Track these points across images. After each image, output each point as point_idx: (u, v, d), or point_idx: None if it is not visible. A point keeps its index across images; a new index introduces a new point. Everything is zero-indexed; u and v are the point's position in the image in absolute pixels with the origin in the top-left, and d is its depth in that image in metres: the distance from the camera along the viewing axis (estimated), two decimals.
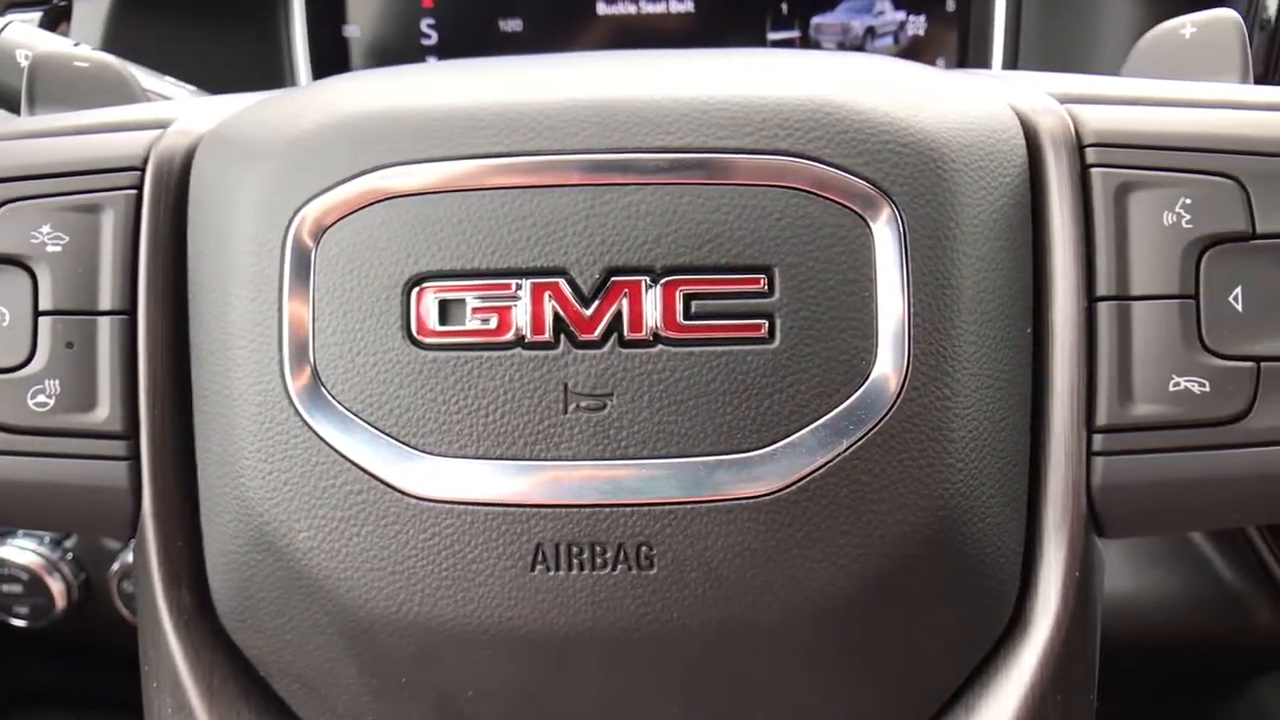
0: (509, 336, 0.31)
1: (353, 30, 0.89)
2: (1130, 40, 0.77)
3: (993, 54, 0.82)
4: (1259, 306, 0.32)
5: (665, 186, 0.31)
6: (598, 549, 0.31)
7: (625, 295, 0.31)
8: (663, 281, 0.31)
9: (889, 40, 0.85)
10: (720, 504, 0.31)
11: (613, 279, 0.31)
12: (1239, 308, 0.32)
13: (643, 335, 0.31)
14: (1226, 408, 0.32)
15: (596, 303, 0.31)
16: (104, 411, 0.34)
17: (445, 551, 0.31)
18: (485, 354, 0.31)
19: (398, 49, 0.88)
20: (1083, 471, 0.33)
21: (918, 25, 0.85)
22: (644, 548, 0.31)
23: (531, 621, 0.32)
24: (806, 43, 0.86)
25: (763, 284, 0.31)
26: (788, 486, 0.31)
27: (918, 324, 0.31)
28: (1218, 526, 0.35)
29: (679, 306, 0.31)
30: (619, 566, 0.31)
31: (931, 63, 0.87)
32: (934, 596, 0.32)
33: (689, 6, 0.86)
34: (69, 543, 0.71)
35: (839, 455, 0.31)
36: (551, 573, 0.31)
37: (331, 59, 0.88)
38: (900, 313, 0.31)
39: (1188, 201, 0.32)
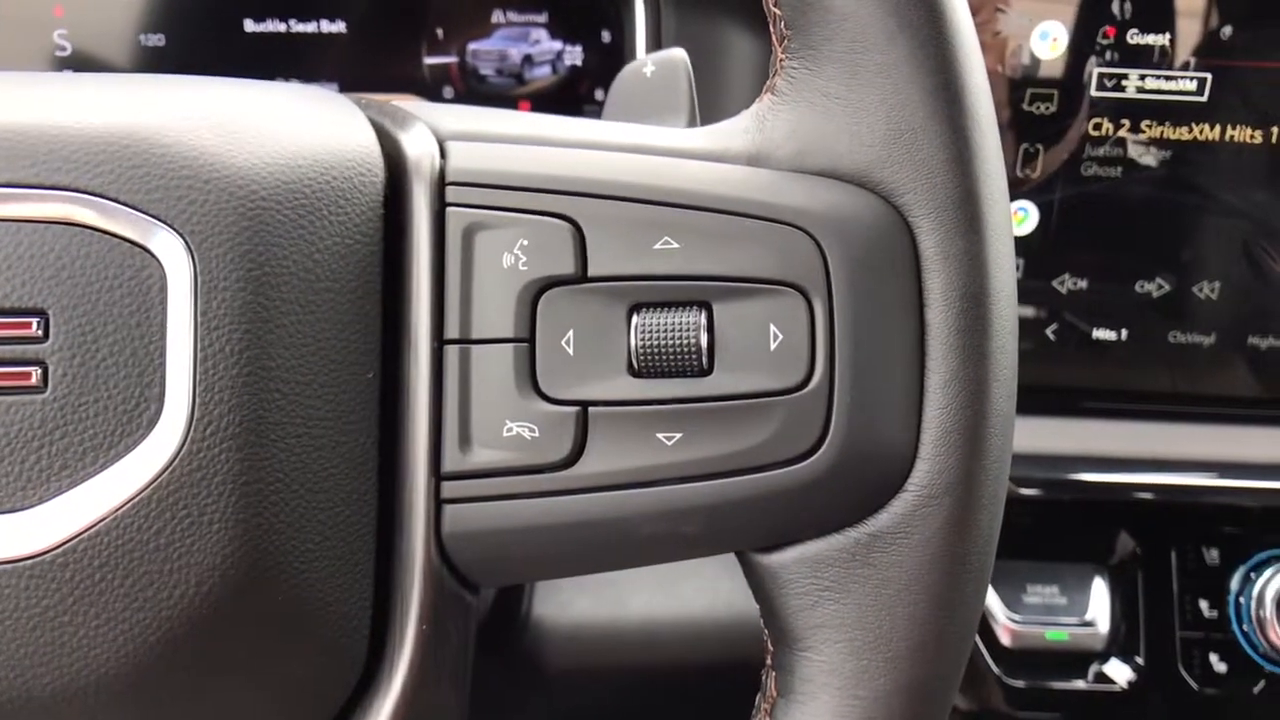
0: None
1: None
2: (752, 76, 0.79)
3: None
4: (588, 350, 0.31)
5: None
6: None
7: None
8: None
9: (547, 70, 0.85)
10: None
11: None
12: (570, 351, 0.32)
13: None
14: (555, 453, 0.31)
15: None
16: None
17: None
18: None
19: (29, 61, 0.83)
20: (432, 520, 0.32)
21: (575, 55, 0.85)
22: None
23: None
24: (464, 68, 0.85)
25: (35, 328, 0.29)
26: (54, 548, 0.28)
27: (207, 371, 0.29)
28: (571, 575, 0.34)
29: None
30: None
31: (590, 92, 0.88)
32: (249, 661, 0.31)
33: (341, 28, 0.83)
34: None
35: (111, 514, 0.28)
36: None
37: None
38: (189, 360, 0.29)
39: (525, 243, 0.32)
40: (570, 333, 0.32)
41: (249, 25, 0.83)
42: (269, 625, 0.30)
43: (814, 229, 0.31)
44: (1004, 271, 0.31)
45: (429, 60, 0.84)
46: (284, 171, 0.31)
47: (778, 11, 0.33)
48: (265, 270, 0.30)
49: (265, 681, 0.31)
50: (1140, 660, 0.74)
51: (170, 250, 0.29)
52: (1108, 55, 0.67)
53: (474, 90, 0.85)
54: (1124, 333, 0.74)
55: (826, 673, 0.32)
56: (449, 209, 0.32)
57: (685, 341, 0.31)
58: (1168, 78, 0.67)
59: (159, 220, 0.29)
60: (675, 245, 0.31)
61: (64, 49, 0.82)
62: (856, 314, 0.31)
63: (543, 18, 0.84)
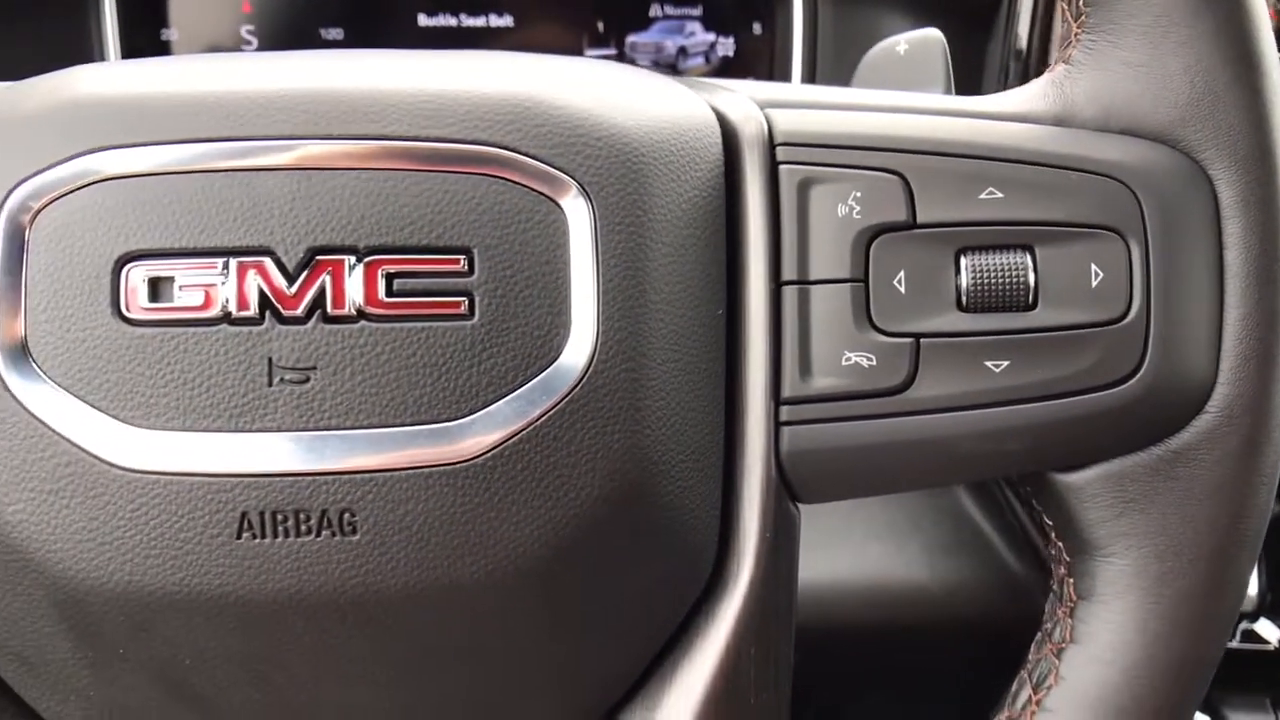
0: (215, 313, 0.32)
1: (172, 33, 0.89)
2: None
3: (793, 73, 0.86)
4: (918, 288, 0.36)
5: (370, 171, 0.33)
6: (301, 516, 0.32)
7: (329, 273, 0.33)
8: (366, 260, 0.33)
9: (700, 60, 0.89)
10: (419, 471, 0.33)
11: (317, 258, 0.33)
12: (902, 290, 0.36)
13: (345, 311, 0.33)
14: (891, 379, 0.35)
15: (300, 280, 0.33)
16: None
17: (153, 521, 0.32)
18: (192, 330, 0.32)
19: (218, 53, 0.88)
20: (772, 440, 0.36)
21: (727, 46, 0.89)
22: (346, 514, 0.33)
23: (240, 588, 0.33)
24: (623, 60, 0.89)
25: (462, 264, 0.33)
26: (484, 454, 0.33)
27: (607, 303, 0.33)
28: (898, 490, 0.38)
29: (381, 284, 0.33)
30: (323, 533, 0.33)
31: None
32: (631, 557, 0.35)
33: (508, 21, 0.88)
34: None
35: (531, 424, 0.33)
36: (257, 540, 0.33)
37: None
38: (592, 293, 0.33)
39: (858, 194, 0.36)
40: (901, 273, 0.36)
41: (422, 19, 0.88)
42: (648, 526, 0.35)
43: (1129, 179, 0.35)
44: None
45: (590, 52, 0.89)
46: (652, 133, 0.35)
47: None
48: (646, 218, 0.34)
49: (642, 572, 0.35)
50: None
51: (572, 199, 0.34)
52: None
53: None
54: None
55: (1131, 575, 0.36)
56: (781, 167, 0.36)
57: (1014, 279, 0.35)
58: None
59: (563, 172, 0.34)
60: (999, 195, 0.35)
61: (250, 43, 0.88)
62: (1168, 254, 0.35)
63: (698, 11, 0.89)
